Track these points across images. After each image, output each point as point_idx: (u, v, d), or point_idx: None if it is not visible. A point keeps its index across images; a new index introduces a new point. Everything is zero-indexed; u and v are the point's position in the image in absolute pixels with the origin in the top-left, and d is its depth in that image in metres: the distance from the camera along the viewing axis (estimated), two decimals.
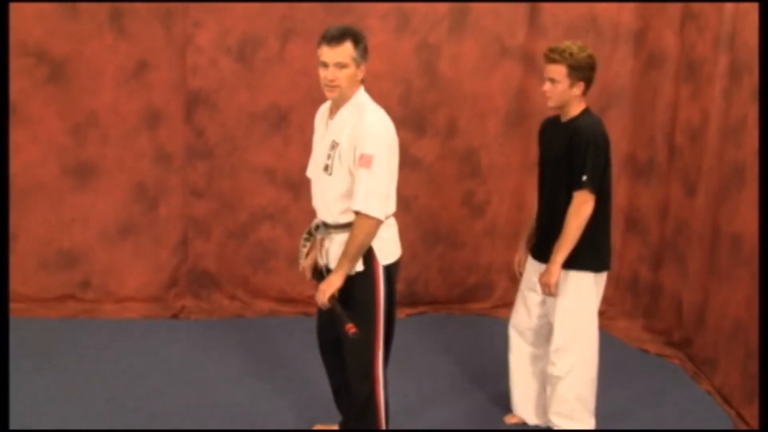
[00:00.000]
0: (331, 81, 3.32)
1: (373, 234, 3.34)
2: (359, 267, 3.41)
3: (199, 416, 4.26)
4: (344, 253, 3.35)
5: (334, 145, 3.39)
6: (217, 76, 5.51)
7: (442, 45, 5.60)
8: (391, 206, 3.48)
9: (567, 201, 3.76)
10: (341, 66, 3.30)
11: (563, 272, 3.80)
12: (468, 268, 6.00)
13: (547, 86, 3.77)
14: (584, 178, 3.67)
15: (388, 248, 3.48)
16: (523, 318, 4.13)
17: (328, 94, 3.39)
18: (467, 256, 5.98)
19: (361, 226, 3.30)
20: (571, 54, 3.67)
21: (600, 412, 4.04)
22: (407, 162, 5.67)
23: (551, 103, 3.83)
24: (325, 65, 3.31)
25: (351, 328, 3.26)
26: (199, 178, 5.67)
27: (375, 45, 5.45)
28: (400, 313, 5.69)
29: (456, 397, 4.62)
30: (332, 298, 3.37)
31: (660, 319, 5.55)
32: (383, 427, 3.59)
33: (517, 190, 5.88)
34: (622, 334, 5.57)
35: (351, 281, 3.42)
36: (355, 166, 3.29)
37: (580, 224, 3.71)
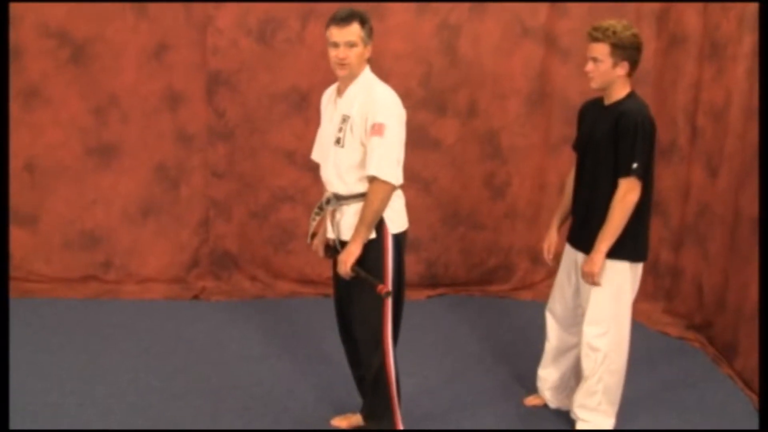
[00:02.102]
0: (342, 59, 3.42)
1: (387, 199, 3.42)
2: (372, 234, 3.48)
3: (220, 396, 4.28)
4: (361, 220, 3.43)
5: (345, 119, 3.49)
6: (237, 57, 5.52)
7: (463, 25, 5.57)
8: (402, 175, 3.52)
9: (608, 186, 3.64)
10: (351, 45, 3.41)
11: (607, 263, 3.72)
12: (488, 250, 5.99)
13: (590, 66, 3.64)
14: (634, 165, 3.54)
15: (397, 217, 3.56)
16: (559, 304, 4.08)
17: (338, 72, 3.48)
18: (488, 237, 5.97)
19: (376, 191, 3.39)
20: (614, 32, 3.55)
21: (622, 395, 4.01)
22: (427, 143, 5.68)
23: (594, 84, 3.69)
24: (336, 45, 3.42)
25: (383, 288, 3.37)
26: (220, 159, 5.69)
27: (395, 25, 5.47)
28: (420, 295, 5.78)
29: (476, 378, 4.62)
30: (354, 266, 3.44)
31: (681, 302, 5.52)
32: (395, 400, 3.64)
33: (538, 171, 5.85)
34: (642, 317, 5.54)
35: (364, 252, 3.48)
36: (367, 136, 3.39)
37: (625, 212, 3.59)
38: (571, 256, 3.93)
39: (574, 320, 4.02)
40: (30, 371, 4.47)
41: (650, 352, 5.01)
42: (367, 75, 3.52)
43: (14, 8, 5.30)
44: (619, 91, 3.69)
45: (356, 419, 3.97)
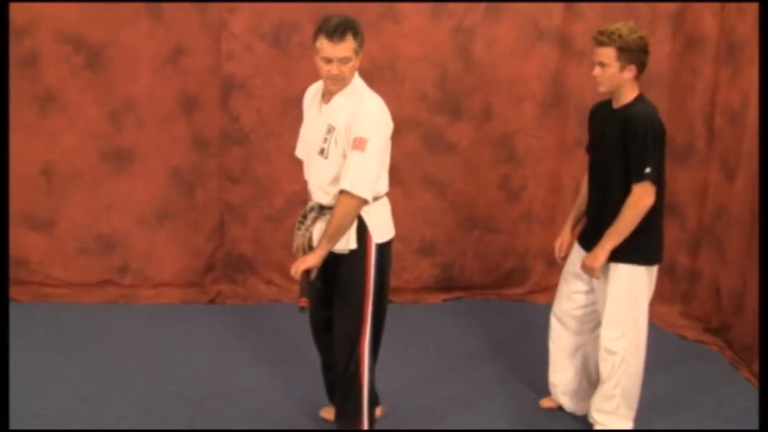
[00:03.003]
0: (336, 76, 3.36)
1: (353, 215, 3.38)
2: (353, 245, 3.47)
3: (236, 401, 4.29)
4: (324, 233, 3.41)
5: (330, 129, 3.44)
6: (252, 61, 5.52)
7: (478, 28, 5.55)
8: (383, 186, 3.52)
9: (618, 190, 3.64)
10: (344, 60, 3.33)
11: (614, 265, 3.71)
12: (504, 253, 5.98)
13: (597, 70, 3.64)
14: (647, 170, 3.52)
15: (381, 226, 3.55)
16: (566, 306, 4.06)
17: (331, 86, 3.42)
18: (503, 240, 5.95)
19: (343, 204, 3.34)
20: (620, 36, 3.54)
21: (639, 400, 3.99)
22: (443, 146, 5.68)
23: (602, 88, 3.69)
24: (329, 60, 3.33)
25: (302, 302, 3.37)
26: (235, 163, 5.69)
27: (410, 29, 5.47)
28: (436, 298, 5.78)
29: (492, 382, 4.61)
30: (304, 273, 3.40)
31: (698, 305, 5.49)
32: (364, 408, 3.65)
33: (554, 174, 5.83)
34: (659, 320, 5.51)
35: (344, 258, 3.49)
36: (349, 149, 3.34)
37: (637, 215, 3.57)
38: (582, 256, 3.91)
39: (584, 320, 4.01)
40: (46, 375, 4.48)
41: (667, 356, 4.99)
42: (355, 84, 3.45)
43: (30, 14, 5.33)
44: (628, 94, 3.68)
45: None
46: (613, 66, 3.59)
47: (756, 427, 4.11)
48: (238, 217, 5.79)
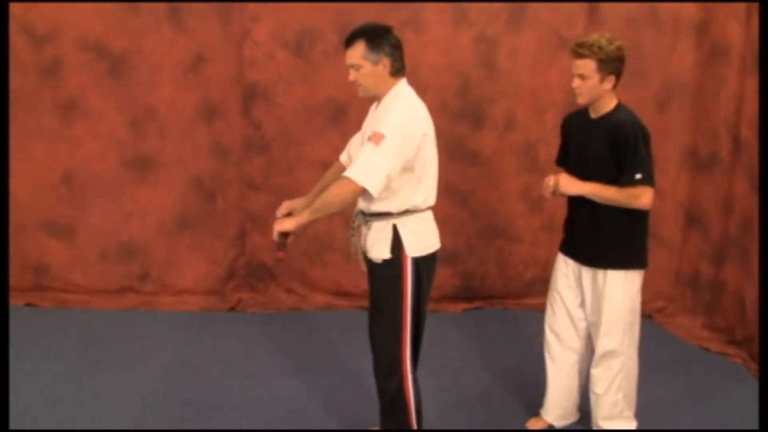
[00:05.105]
0: (352, 82, 3.37)
1: (344, 198, 3.31)
2: (385, 255, 3.41)
3: (256, 410, 4.27)
4: (312, 204, 3.41)
5: (364, 135, 3.45)
6: (274, 69, 5.53)
7: (500, 37, 5.54)
8: (419, 199, 3.44)
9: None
10: (355, 67, 3.33)
11: (612, 273, 3.69)
12: (525, 263, 5.95)
13: (577, 82, 3.61)
14: (638, 176, 3.51)
15: (418, 241, 3.45)
16: (559, 318, 4.01)
17: (358, 94, 3.45)
18: (525, 250, 5.92)
19: (340, 184, 3.29)
20: (599, 47, 3.52)
21: (661, 412, 3.96)
22: (465, 156, 5.66)
23: (581, 100, 3.66)
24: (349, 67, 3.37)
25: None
26: (256, 171, 5.69)
27: (432, 38, 5.47)
28: (457, 308, 5.76)
29: (512, 392, 4.58)
30: (281, 234, 3.41)
31: (722, 316, 5.43)
32: (414, 427, 3.54)
33: None
34: (681, 332, 5.48)
35: (378, 268, 3.45)
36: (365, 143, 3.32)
37: (629, 204, 3.56)
38: (574, 270, 3.88)
39: (578, 332, 3.97)
40: (66, 382, 4.48)
41: (690, 368, 4.94)
42: (394, 92, 3.40)
43: (53, 22, 5.37)
44: (608, 104, 3.67)
45: None
46: (594, 78, 3.57)
47: None
48: (259, 226, 5.79)
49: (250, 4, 5.42)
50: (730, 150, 5.34)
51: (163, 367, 4.75)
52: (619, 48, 3.57)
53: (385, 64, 3.34)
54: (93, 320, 5.42)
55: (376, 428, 3.92)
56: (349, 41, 3.32)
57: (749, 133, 5.14)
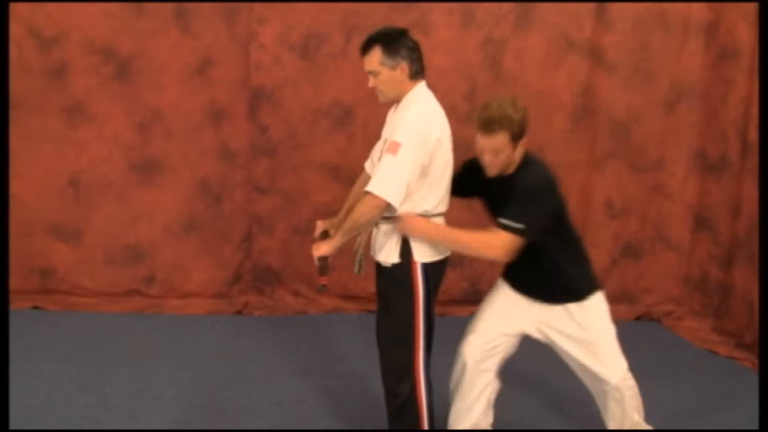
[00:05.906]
0: (372, 89, 3.34)
1: (371, 215, 3.25)
2: (394, 259, 3.38)
3: (262, 412, 4.25)
4: (343, 226, 3.38)
5: (385, 142, 3.40)
6: (280, 72, 5.52)
7: (508, 40, 5.52)
8: (430, 204, 3.40)
9: (546, 247, 3.49)
10: (373, 74, 3.30)
11: (586, 303, 3.56)
12: None
13: (488, 158, 3.38)
14: (505, 221, 3.33)
15: (427, 246, 3.41)
16: (482, 338, 3.84)
17: (378, 99, 3.41)
18: None
19: (364, 202, 3.24)
20: (510, 120, 3.31)
21: (671, 417, 3.92)
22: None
23: (494, 172, 3.45)
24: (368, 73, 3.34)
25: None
26: (263, 174, 5.68)
27: (440, 40, 5.44)
28: (464, 312, 5.71)
29: (521, 396, 4.56)
30: (321, 259, 3.41)
31: (731, 319, 5.40)
32: (425, 428, 3.50)
33: (584, 186, 5.78)
34: (689, 335, 5.45)
35: (387, 272, 3.42)
36: (383, 153, 3.27)
37: (482, 253, 3.43)
38: (524, 306, 3.75)
39: (491, 358, 3.83)
40: (73, 385, 4.47)
41: (699, 371, 4.92)
42: (412, 95, 3.36)
43: (59, 25, 5.37)
44: (518, 161, 3.48)
45: None
46: (508, 149, 3.37)
47: None
48: (266, 229, 5.78)
49: (257, 6, 5.41)
50: (739, 152, 5.32)
51: (169, 370, 4.74)
52: (524, 110, 3.40)
53: (403, 68, 3.30)
54: (99, 323, 5.41)
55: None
56: (366, 48, 3.28)
57: (757, 136, 5.11)
